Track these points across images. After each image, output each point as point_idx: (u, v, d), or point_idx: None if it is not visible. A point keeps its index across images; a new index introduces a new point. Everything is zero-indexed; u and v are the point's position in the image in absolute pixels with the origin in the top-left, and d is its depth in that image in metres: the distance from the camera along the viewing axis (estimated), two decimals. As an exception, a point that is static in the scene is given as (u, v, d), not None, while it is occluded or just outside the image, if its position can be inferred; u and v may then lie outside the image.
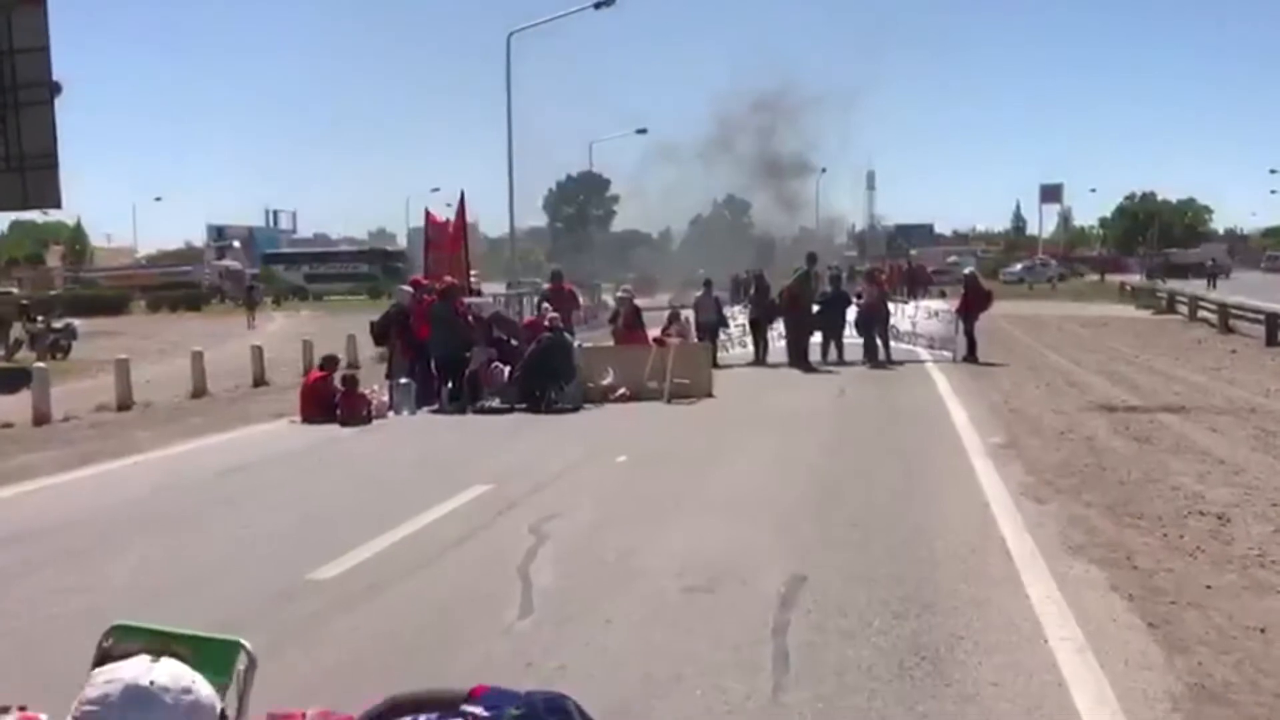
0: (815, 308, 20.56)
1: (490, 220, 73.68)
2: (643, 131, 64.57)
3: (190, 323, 42.42)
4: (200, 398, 17.36)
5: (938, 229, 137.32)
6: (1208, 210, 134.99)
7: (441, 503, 8.51)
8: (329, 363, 14.07)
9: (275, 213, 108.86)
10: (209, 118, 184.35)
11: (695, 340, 20.20)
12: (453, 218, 17.88)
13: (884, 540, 7.11)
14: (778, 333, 21.19)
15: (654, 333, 18.66)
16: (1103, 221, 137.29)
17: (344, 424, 13.19)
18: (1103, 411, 13.24)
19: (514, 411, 14.36)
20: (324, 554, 6.96)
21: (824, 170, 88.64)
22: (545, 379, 14.39)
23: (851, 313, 20.76)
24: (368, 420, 13.44)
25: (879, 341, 20.02)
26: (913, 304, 21.36)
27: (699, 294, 21.47)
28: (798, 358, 19.71)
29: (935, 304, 21.63)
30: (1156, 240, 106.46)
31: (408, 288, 16.11)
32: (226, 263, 76.82)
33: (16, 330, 24.80)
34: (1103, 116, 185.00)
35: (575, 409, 14.34)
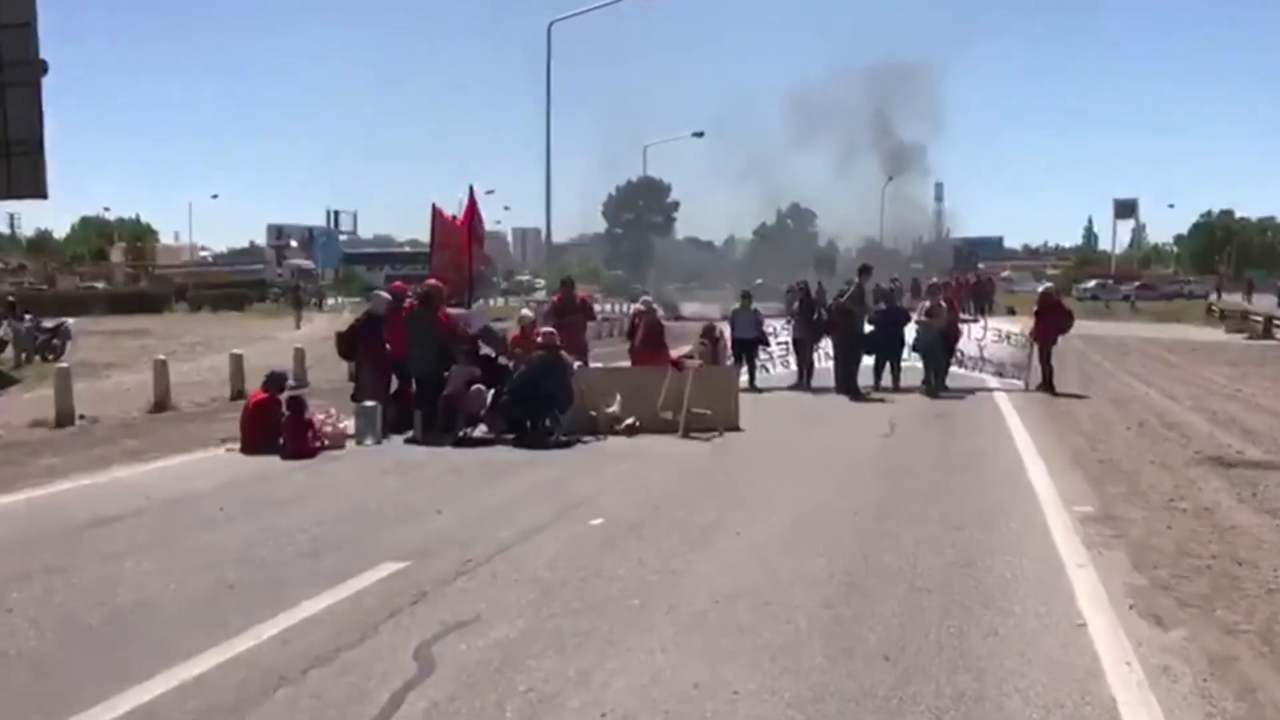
0: (868, 326, 18.06)
1: (556, 225, 72.07)
2: (699, 134, 62.22)
3: (228, 324, 40.73)
4: (161, 412, 15.36)
5: (1007, 243, 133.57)
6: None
7: (325, 591, 6.26)
8: (274, 381, 11.85)
9: (336, 213, 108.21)
10: (268, 119, 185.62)
11: (729, 359, 17.87)
12: (478, 215, 15.55)
13: (929, 695, 4.69)
14: (825, 353, 18.72)
15: (684, 350, 16.30)
16: (1178, 239, 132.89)
17: (287, 456, 11.01)
18: (1216, 466, 10.63)
19: (498, 443, 12.08)
20: (95, 688, 4.73)
21: (890, 179, 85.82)
22: (535, 406, 12.09)
23: (911, 332, 18.20)
24: (315, 452, 11.24)
25: (934, 369, 17.49)
26: (980, 324, 18.65)
27: (735, 307, 19.02)
28: (845, 383, 17.21)
29: (1006, 325, 18.94)
30: (1234, 259, 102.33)
31: (384, 294, 13.89)
32: (299, 262, 76.04)
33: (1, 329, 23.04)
34: (1181, 132, 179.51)
35: (569, 443, 12.03)
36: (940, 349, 17.52)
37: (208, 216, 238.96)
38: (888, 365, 17.85)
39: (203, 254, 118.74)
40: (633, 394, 13.10)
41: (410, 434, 12.36)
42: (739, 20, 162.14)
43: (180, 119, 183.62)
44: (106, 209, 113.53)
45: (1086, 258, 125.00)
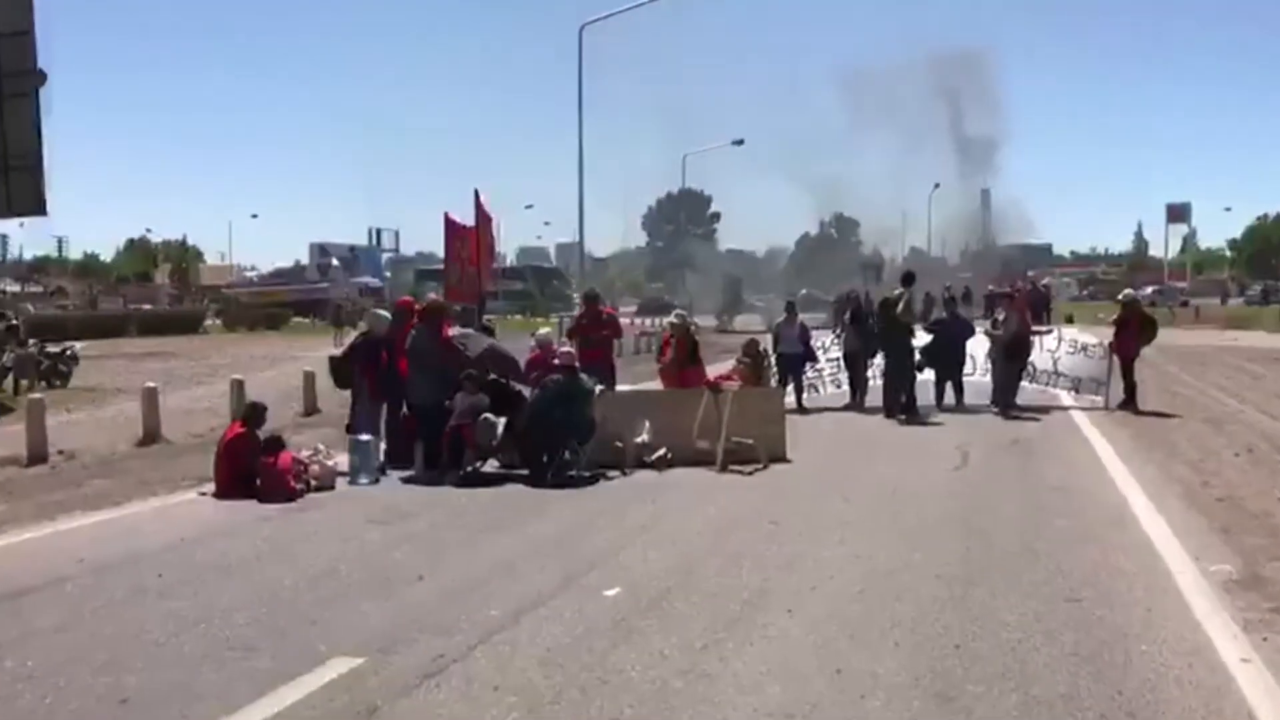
0: (927, 337, 16.35)
1: (598, 239, 70.74)
2: (739, 143, 60.60)
3: (263, 344, 39.55)
4: (151, 445, 13.95)
5: (1055, 250, 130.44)
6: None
7: (248, 705, 4.74)
8: (252, 414, 10.36)
9: (378, 231, 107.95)
10: (305, 137, 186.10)
11: (774, 378, 16.21)
12: (487, 222, 13.95)
13: None
14: (880, 368, 17.01)
15: (723, 368, 14.70)
16: (1232, 243, 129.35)
17: (264, 500, 9.53)
18: (1360, 502, 8.86)
19: (509, 480, 10.54)
20: None
21: (937, 186, 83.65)
22: (551, 437, 10.52)
23: (978, 345, 16.46)
24: (296, 495, 9.75)
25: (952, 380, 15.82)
26: (1054, 334, 16.82)
27: (780, 320, 17.35)
28: (898, 403, 15.44)
29: (1081, 335, 17.11)
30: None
31: (384, 312, 12.39)
32: (365, 280, 75.55)
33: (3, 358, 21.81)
34: (1230, 135, 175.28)
35: (590, 479, 10.46)
36: (1013, 364, 15.77)
37: (248, 236, 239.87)
38: (949, 384, 16.17)
39: (248, 274, 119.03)
40: (664, 421, 11.50)
41: (412, 471, 10.86)
42: (781, 15, 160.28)
43: (218, 138, 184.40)
44: (149, 230, 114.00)
45: (1138, 263, 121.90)
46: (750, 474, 10.83)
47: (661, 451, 11.22)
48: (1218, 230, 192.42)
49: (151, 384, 15.19)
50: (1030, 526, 8.14)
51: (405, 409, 11.31)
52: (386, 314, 12.17)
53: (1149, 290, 72.38)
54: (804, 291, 57.06)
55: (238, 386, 16.41)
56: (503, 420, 10.69)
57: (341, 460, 10.85)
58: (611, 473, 10.81)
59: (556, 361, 11.14)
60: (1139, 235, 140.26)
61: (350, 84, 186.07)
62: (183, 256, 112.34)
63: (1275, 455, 11.53)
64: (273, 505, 9.42)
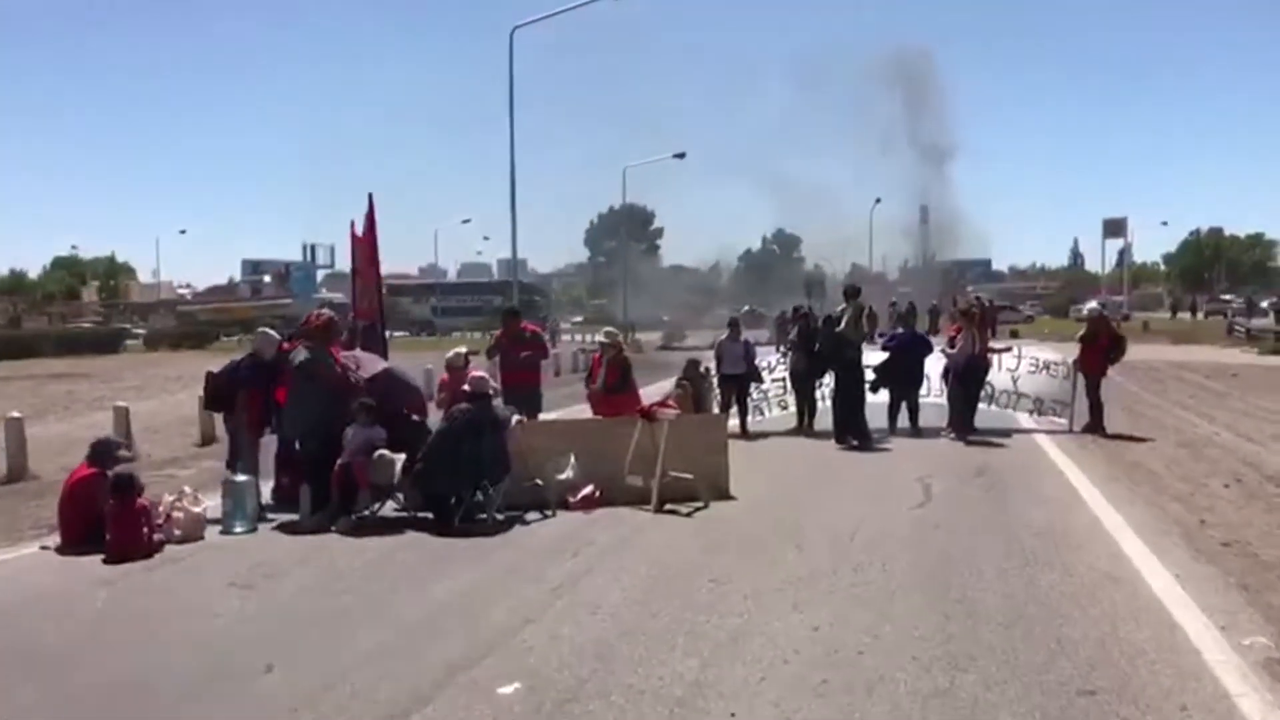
0: (881, 355, 15.17)
1: (541, 255, 69.38)
2: (681, 156, 59.49)
3: (183, 364, 37.39)
4: (15, 483, 12.31)
5: (994, 265, 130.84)
6: (1274, 245, 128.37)
7: None
8: (101, 452, 8.79)
9: (313, 247, 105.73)
10: (233, 152, 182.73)
11: (715, 400, 14.91)
12: (372, 228, 12.33)
13: None
14: (831, 388, 15.78)
15: (658, 389, 13.36)
16: (1166, 258, 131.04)
17: (111, 559, 7.99)
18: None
19: (408, 527, 9.09)
20: None
21: (879, 201, 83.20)
22: (459, 476, 9.09)
23: (934, 364, 15.29)
24: (153, 549, 8.23)
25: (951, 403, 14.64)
26: (1013, 352, 15.64)
27: (722, 338, 16.04)
28: (848, 427, 14.19)
29: (1043, 352, 15.97)
30: (1223, 277, 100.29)
31: (272, 331, 10.88)
32: (333, 295, 73.40)
33: None
34: (1162, 151, 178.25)
35: (505, 525, 9.05)
36: (972, 385, 14.63)
37: (176, 252, 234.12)
38: (903, 404, 14.99)
39: (181, 291, 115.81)
40: (592, 454, 10.12)
41: (297, 516, 9.38)
42: (726, 21, 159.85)
43: (144, 152, 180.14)
44: (74, 247, 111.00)
45: (1074, 278, 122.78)
46: (689, 515, 9.49)
47: (589, 490, 9.84)
48: (1153, 245, 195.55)
49: (16, 414, 13.47)
50: (1016, 585, 6.86)
51: (281, 444, 9.83)
52: (275, 334, 10.64)
53: (1092, 303, 72.35)
54: (746, 308, 56.04)
55: (122, 415, 14.81)
56: (402, 456, 9.24)
57: (215, 503, 9.34)
58: (531, 515, 9.42)
59: (466, 388, 9.69)
60: (1074, 250, 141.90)
61: (283, 98, 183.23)
62: (111, 273, 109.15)
63: (1268, 486, 10.43)
64: (121, 564, 7.90)
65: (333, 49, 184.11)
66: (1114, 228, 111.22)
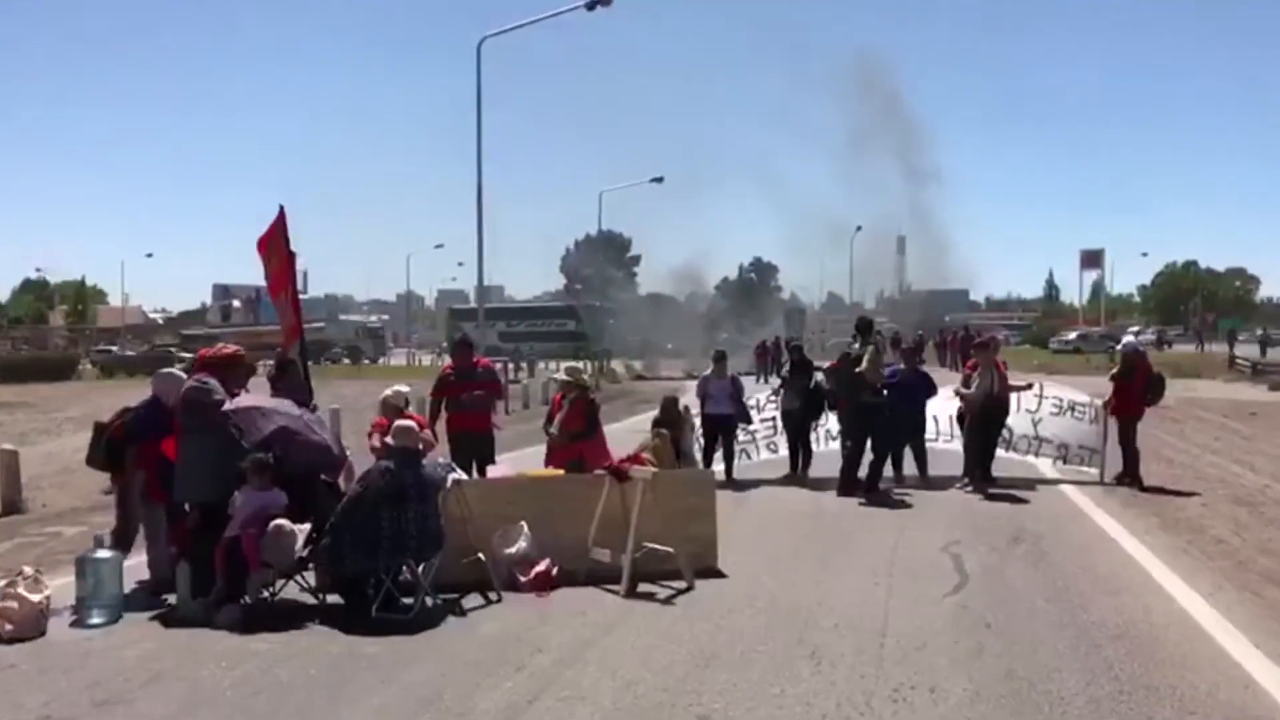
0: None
1: (518, 281, 67.51)
2: (659, 180, 57.65)
3: (135, 393, 34.95)
4: None
5: (971, 296, 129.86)
6: (1254, 279, 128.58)
7: None
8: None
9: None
10: (201, 175, 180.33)
11: (698, 446, 13.06)
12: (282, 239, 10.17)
13: None
14: (827, 431, 13.92)
15: (631, 435, 11.42)
16: (1141, 289, 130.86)
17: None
18: None
19: (313, 617, 7.13)
20: None
21: (859, 228, 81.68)
22: (375, 557, 7.14)
23: (944, 405, 13.48)
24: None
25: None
26: (1034, 392, 13.78)
27: (706, 374, 14.14)
28: (850, 482, 12.30)
29: (1067, 391, 14.12)
30: (1200, 308, 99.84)
31: (177, 370, 8.89)
32: (363, 319, 70.65)
33: None
34: (1140, 182, 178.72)
35: (432, 618, 7.10)
36: (992, 428, 12.82)
37: (143, 276, 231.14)
38: (907, 452, 13.14)
39: (153, 315, 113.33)
40: (549, 520, 8.20)
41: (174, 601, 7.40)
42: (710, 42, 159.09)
43: (112, 175, 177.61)
44: (39, 270, 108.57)
45: (1051, 310, 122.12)
46: (669, 601, 7.58)
47: (544, 566, 7.92)
48: (1127, 277, 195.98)
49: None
50: (1116, 723, 4.98)
51: (172, 505, 7.86)
52: (181, 374, 8.63)
53: (1073, 335, 70.92)
54: (725, 336, 54.17)
55: (11, 460, 12.72)
56: (305, 528, 7.28)
57: (68, 585, 7.36)
58: (470, 600, 7.49)
59: (390, 440, 7.74)
60: (1050, 281, 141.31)
61: (255, 122, 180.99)
62: (80, 297, 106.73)
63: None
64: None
65: (305, 74, 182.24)
66: (1091, 259, 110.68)
